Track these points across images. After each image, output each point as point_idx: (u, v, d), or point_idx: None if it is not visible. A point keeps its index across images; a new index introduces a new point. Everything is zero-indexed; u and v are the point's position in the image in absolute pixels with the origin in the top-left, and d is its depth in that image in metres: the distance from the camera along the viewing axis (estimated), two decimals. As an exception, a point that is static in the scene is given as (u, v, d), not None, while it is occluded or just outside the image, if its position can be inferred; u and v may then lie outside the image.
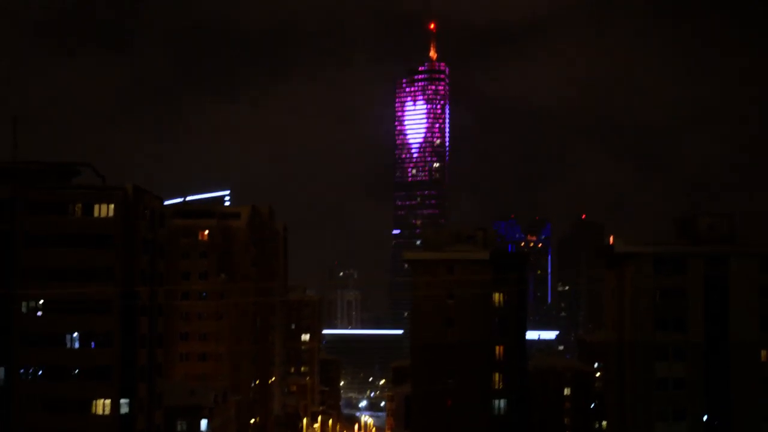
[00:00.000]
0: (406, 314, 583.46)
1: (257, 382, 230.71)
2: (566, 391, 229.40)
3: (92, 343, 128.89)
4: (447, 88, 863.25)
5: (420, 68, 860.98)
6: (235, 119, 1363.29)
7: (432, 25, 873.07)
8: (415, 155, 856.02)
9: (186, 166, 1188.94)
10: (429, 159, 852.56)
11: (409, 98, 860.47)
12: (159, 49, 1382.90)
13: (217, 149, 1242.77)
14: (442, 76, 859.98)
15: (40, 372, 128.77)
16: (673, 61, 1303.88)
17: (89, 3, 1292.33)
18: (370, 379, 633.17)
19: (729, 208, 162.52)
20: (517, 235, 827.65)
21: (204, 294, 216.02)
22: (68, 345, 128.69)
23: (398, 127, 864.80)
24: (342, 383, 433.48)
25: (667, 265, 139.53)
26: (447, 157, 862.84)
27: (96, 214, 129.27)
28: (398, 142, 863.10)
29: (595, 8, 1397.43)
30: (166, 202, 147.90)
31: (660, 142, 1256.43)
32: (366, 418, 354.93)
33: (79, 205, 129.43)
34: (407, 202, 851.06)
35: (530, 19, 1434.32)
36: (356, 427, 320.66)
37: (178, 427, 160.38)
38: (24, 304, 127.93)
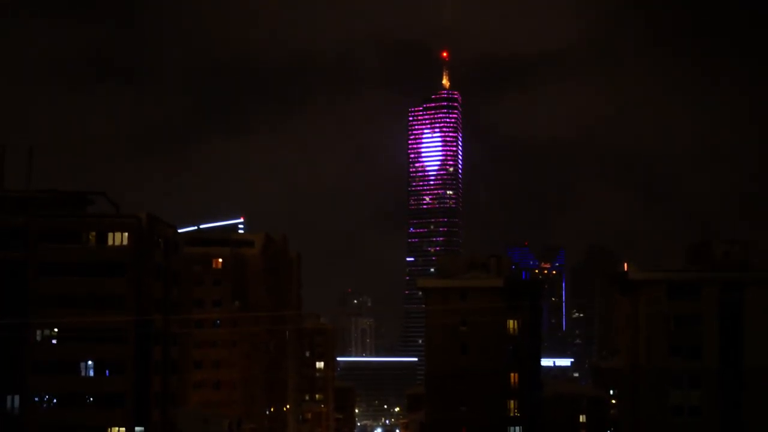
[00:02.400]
0: (420, 341, 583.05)
1: (271, 409, 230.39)
2: (581, 418, 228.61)
3: (106, 371, 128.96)
4: (460, 116, 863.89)
5: (433, 96, 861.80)
6: (249, 153, 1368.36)
7: (445, 54, 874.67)
8: (428, 183, 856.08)
9: (199, 197, 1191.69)
10: (442, 187, 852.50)
11: (422, 126, 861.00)
12: (173, 86, 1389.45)
13: (230, 182, 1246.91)
14: (455, 104, 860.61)
15: (54, 400, 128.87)
16: (683, 96, 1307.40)
17: (106, 40, 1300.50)
18: (385, 406, 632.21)
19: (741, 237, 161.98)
20: (531, 263, 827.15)
21: (218, 322, 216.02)
22: (82, 373, 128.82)
23: (411, 156, 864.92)
24: (357, 411, 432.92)
25: (682, 292, 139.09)
26: (461, 185, 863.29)
27: (110, 242, 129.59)
28: (411, 170, 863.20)
29: (606, 43, 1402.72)
30: (180, 231, 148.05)
31: (671, 175, 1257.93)
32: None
33: (93, 233, 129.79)
34: (421, 230, 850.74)
35: (541, 53, 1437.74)
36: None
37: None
38: (38, 332, 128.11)
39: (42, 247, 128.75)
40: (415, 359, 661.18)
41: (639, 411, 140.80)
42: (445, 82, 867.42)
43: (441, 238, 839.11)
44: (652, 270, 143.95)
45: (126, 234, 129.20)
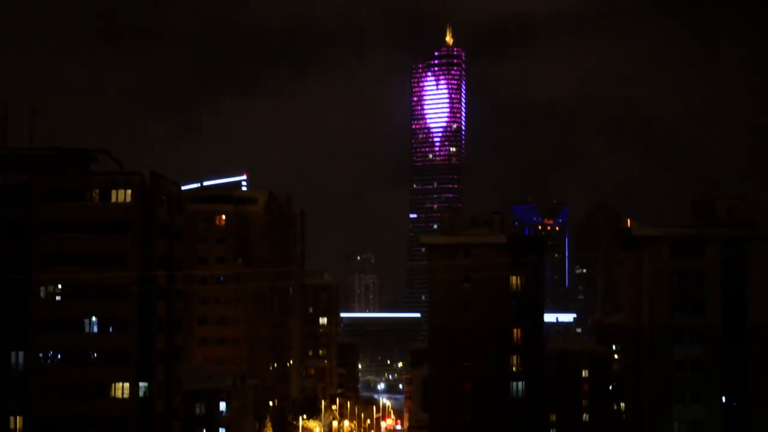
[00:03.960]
0: (423, 297, 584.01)
1: (275, 365, 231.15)
2: (584, 374, 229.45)
3: (110, 328, 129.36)
4: (463, 73, 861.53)
5: (436, 54, 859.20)
6: (253, 112, 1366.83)
7: (448, 12, 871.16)
8: (432, 140, 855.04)
9: (203, 156, 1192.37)
10: (446, 144, 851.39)
11: (425, 83, 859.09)
12: (179, 47, 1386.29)
13: (234, 141, 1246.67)
14: (459, 61, 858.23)
15: (59, 357, 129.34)
16: (686, 55, 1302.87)
17: (112, 2, 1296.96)
18: (388, 362, 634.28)
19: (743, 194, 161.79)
20: (534, 219, 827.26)
21: (221, 279, 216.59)
22: (86, 330, 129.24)
23: (415, 113, 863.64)
24: (360, 366, 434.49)
25: (685, 248, 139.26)
26: (464, 142, 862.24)
27: (113, 200, 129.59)
28: (415, 127, 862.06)
29: (610, 3, 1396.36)
30: (183, 188, 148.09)
31: (673, 133, 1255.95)
32: (384, 401, 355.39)
33: (97, 191, 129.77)
34: (425, 187, 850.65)
35: (545, 13, 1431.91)
36: (374, 409, 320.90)
37: (197, 411, 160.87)
38: (42, 289, 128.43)
39: (45, 205, 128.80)
40: (419, 315, 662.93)
41: (642, 367, 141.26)
42: (449, 39, 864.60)
43: (444, 195, 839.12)
44: (655, 227, 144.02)
45: (129, 191, 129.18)
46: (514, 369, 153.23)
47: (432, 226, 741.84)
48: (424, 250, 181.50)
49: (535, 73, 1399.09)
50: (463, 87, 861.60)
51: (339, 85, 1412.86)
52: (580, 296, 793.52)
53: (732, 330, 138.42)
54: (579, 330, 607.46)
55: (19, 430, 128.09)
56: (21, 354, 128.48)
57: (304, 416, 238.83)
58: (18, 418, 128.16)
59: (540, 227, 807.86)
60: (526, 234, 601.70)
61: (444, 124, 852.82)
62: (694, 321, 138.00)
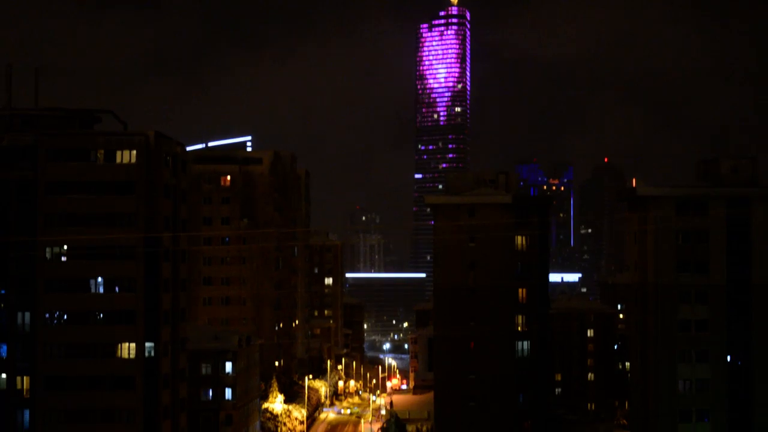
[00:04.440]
0: (428, 257, 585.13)
1: (281, 325, 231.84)
2: (589, 333, 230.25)
3: (116, 288, 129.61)
4: (468, 33, 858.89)
5: (441, 13, 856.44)
6: (258, 74, 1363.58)
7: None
8: (436, 100, 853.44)
9: (208, 116, 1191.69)
10: (451, 104, 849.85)
11: (430, 43, 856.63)
12: (185, 6, 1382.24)
13: (240, 101, 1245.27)
14: (463, 20, 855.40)
15: (65, 317, 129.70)
16: (694, 14, 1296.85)
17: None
18: (393, 322, 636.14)
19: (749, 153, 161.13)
20: (540, 179, 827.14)
21: (226, 239, 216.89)
22: (92, 290, 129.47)
23: (420, 73, 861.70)
24: (365, 326, 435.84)
25: (690, 208, 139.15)
26: (469, 102, 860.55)
27: (118, 160, 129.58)
28: (420, 87, 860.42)
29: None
30: (188, 148, 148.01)
31: (680, 92, 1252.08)
32: (389, 361, 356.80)
33: (101, 151, 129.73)
34: (429, 147, 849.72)
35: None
36: (380, 369, 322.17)
37: (203, 371, 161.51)
38: (48, 249, 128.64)
39: (50, 165, 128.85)
40: (424, 275, 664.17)
41: (647, 326, 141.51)
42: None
43: (449, 155, 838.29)
44: (660, 186, 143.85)
45: (134, 152, 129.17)
46: (519, 328, 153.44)
47: (437, 187, 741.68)
48: (429, 210, 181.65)
49: (540, 33, 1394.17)
50: (468, 46, 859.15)
51: (344, 46, 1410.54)
52: (585, 256, 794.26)
53: (737, 289, 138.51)
54: (584, 290, 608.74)
55: (26, 389, 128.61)
56: (27, 314, 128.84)
57: (310, 376, 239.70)
58: (25, 378, 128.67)
59: (545, 187, 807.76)
60: (531, 194, 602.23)
61: (449, 84, 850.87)
62: (698, 280, 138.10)
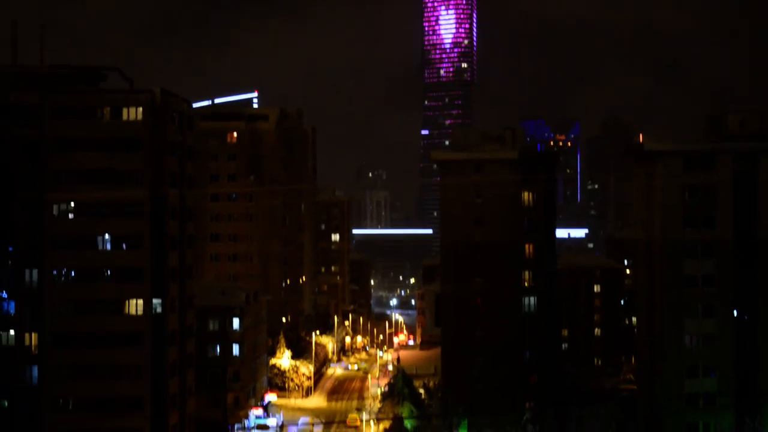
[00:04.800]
0: (435, 213, 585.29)
1: (287, 281, 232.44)
2: (596, 289, 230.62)
3: (123, 245, 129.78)
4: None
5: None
6: (265, 32, 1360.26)
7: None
8: (443, 57, 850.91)
9: (214, 74, 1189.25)
10: (457, 60, 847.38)
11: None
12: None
13: (246, 60, 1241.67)
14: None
15: (72, 274, 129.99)
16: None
17: None
18: (400, 278, 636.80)
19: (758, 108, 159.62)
20: (546, 135, 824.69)
21: (233, 196, 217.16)
22: (99, 247, 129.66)
23: (427, 29, 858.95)
24: (372, 282, 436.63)
25: (697, 163, 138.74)
26: (476, 59, 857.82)
27: (124, 117, 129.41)
28: (427, 43, 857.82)
29: None
30: (194, 106, 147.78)
31: (688, 49, 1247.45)
32: (396, 317, 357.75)
33: (108, 109, 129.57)
34: (436, 103, 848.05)
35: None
36: (387, 325, 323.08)
37: (210, 327, 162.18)
38: (55, 207, 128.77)
39: (56, 123, 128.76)
40: (431, 231, 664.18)
41: (653, 281, 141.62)
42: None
43: (456, 111, 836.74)
44: (667, 141, 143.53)
45: (140, 109, 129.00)
46: (526, 284, 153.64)
47: (443, 143, 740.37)
48: (435, 166, 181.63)
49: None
50: (475, 2, 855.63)
51: (350, 3, 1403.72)
52: (592, 212, 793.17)
53: (744, 244, 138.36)
54: (591, 245, 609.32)
55: (34, 346, 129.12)
56: (35, 272, 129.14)
57: (317, 332, 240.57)
58: (33, 334, 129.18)
59: (552, 143, 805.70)
60: (537, 150, 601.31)
61: (455, 40, 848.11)
62: (705, 235, 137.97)
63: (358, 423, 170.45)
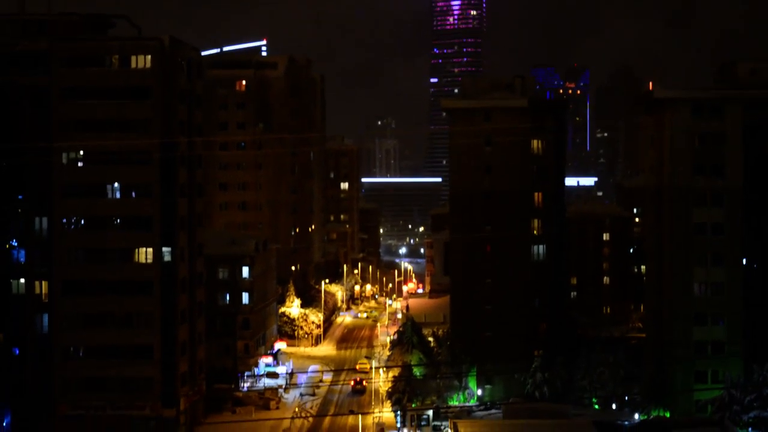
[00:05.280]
0: (444, 162, 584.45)
1: (297, 230, 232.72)
2: (605, 237, 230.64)
3: (132, 194, 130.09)
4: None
5: None
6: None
7: None
8: (452, 4, 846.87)
9: (222, 22, 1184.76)
10: (466, 7, 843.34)
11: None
12: None
13: (254, 8, 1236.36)
14: None
15: (82, 222, 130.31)
16: None
17: None
18: (409, 226, 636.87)
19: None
20: (556, 83, 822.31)
21: (242, 144, 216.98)
22: (109, 195, 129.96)
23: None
24: (381, 231, 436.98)
25: (707, 110, 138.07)
26: (485, 6, 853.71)
27: (133, 65, 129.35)
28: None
29: None
30: (203, 53, 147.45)
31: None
32: (405, 265, 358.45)
33: (116, 57, 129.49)
34: (445, 51, 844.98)
35: None
36: (396, 273, 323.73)
37: (220, 275, 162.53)
38: (64, 155, 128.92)
39: (64, 71, 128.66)
40: (440, 180, 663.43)
41: (662, 229, 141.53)
42: None
43: (465, 59, 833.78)
44: (677, 88, 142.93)
45: (149, 57, 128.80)
46: (535, 232, 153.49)
47: (453, 91, 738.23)
48: (444, 114, 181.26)
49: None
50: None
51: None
52: (601, 160, 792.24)
53: (753, 192, 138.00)
54: (600, 193, 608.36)
55: (44, 294, 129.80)
56: (45, 220, 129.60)
57: (326, 280, 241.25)
58: (43, 282, 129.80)
59: (561, 91, 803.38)
60: (547, 97, 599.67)
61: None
62: (714, 183, 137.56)
63: (368, 368, 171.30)
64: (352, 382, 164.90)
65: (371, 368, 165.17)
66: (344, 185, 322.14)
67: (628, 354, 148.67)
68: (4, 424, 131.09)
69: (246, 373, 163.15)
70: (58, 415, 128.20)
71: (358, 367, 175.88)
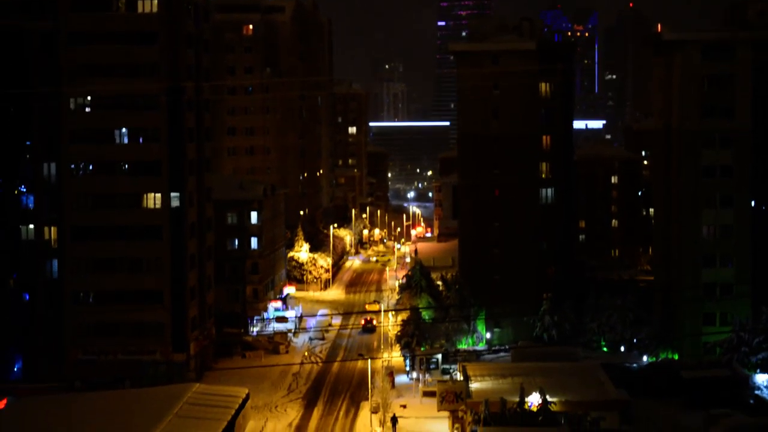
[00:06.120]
0: (452, 105, 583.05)
1: (305, 175, 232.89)
2: (613, 180, 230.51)
3: (140, 139, 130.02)
4: None
5: None
6: None
7: None
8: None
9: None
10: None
11: None
12: None
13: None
14: None
15: (90, 167, 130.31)
16: None
17: None
18: (417, 170, 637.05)
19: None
20: (564, 25, 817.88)
21: (250, 88, 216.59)
22: (117, 140, 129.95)
23: None
24: (389, 175, 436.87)
25: (716, 52, 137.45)
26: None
27: (140, 10, 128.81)
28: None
29: None
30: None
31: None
32: (414, 209, 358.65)
33: (123, 1, 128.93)
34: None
35: None
36: (404, 217, 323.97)
37: (228, 220, 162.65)
38: (72, 101, 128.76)
39: (72, 16, 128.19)
40: (448, 124, 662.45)
41: (671, 172, 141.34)
42: None
43: (473, 2, 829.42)
44: (686, 30, 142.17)
45: (155, 1, 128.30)
46: (543, 176, 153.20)
47: (460, 34, 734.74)
48: (452, 58, 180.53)
49: None
50: None
51: None
52: (610, 102, 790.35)
53: (762, 135, 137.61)
54: (608, 136, 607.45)
55: (54, 240, 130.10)
56: (53, 165, 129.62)
57: (335, 225, 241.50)
58: (52, 228, 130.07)
59: (569, 33, 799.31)
60: (555, 40, 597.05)
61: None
62: (723, 125, 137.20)
63: (377, 308, 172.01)
64: (363, 321, 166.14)
65: (380, 310, 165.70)
66: (352, 129, 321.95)
67: (637, 297, 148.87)
68: (15, 369, 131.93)
69: (255, 318, 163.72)
70: (69, 360, 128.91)
71: (367, 307, 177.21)
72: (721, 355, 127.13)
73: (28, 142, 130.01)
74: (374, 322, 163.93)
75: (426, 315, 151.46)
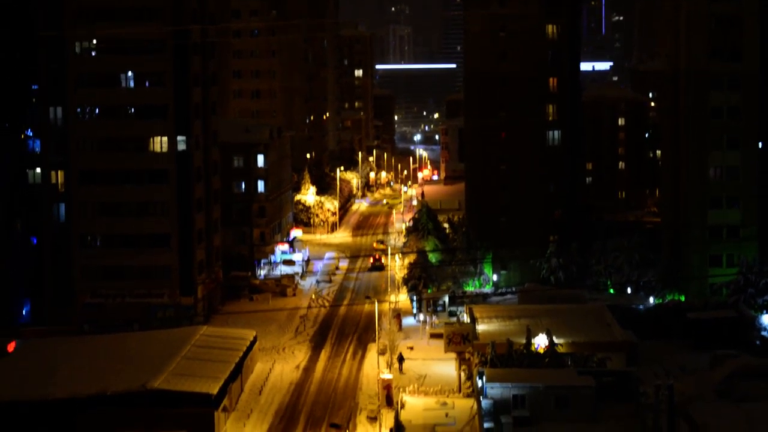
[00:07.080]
0: (458, 48, 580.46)
1: (311, 118, 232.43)
2: (620, 122, 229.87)
3: (146, 83, 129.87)
4: None
5: None
6: None
7: None
8: None
9: None
10: None
11: None
12: None
13: None
14: None
15: (96, 111, 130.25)
16: None
17: None
18: (424, 113, 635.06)
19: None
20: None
21: (255, 31, 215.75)
22: (123, 84, 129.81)
23: None
24: (396, 118, 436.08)
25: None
26: None
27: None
28: None
29: None
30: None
31: None
32: (420, 152, 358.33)
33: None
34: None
35: None
36: (411, 160, 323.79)
37: (235, 164, 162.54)
38: (77, 45, 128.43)
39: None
40: (454, 66, 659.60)
41: (678, 113, 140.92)
42: None
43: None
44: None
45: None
46: (550, 118, 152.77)
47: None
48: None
49: None
50: None
51: None
52: (617, 44, 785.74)
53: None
54: (615, 78, 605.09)
55: (61, 183, 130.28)
56: (59, 109, 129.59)
57: (341, 168, 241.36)
58: (59, 172, 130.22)
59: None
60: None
61: None
62: (731, 67, 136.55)
63: (384, 247, 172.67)
64: (371, 260, 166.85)
65: (387, 249, 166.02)
66: (358, 72, 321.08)
67: (644, 239, 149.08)
68: (24, 313, 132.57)
69: (262, 261, 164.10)
70: (77, 303, 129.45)
71: (375, 245, 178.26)
72: (728, 297, 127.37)
73: (34, 87, 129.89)
74: (382, 260, 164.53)
75: (433, 257, 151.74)
